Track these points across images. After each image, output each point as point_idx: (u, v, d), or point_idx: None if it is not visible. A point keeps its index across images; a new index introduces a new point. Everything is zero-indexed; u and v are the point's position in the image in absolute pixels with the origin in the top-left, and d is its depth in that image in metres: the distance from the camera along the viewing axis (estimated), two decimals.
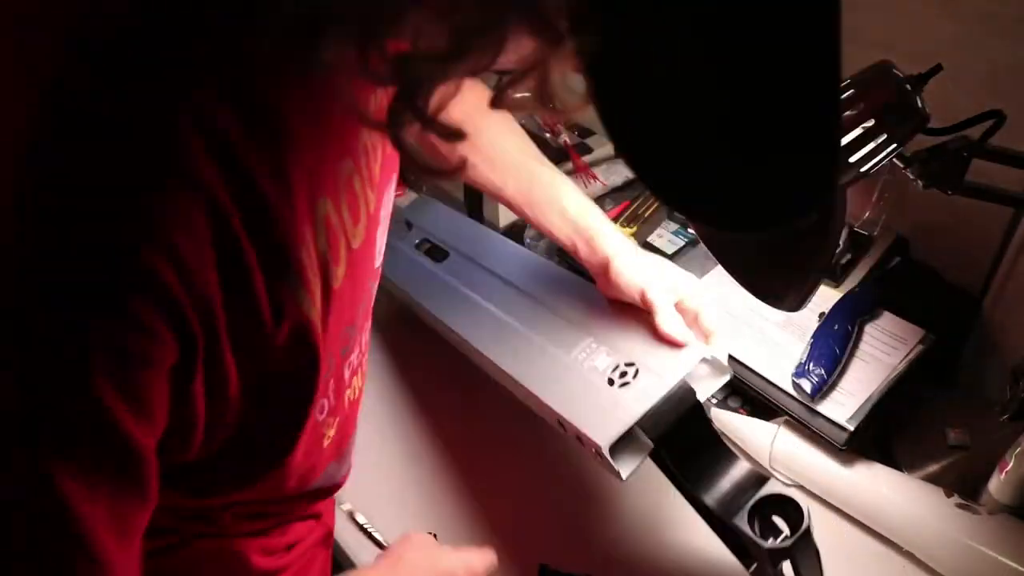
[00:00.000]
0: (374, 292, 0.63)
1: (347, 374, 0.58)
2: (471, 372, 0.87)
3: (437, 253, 1.01)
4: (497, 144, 0.82)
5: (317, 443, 0.57)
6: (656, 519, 0.82)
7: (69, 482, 0.38)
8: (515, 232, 1.11)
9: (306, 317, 0.47)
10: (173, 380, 0.41)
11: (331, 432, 0.59)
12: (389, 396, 0.96)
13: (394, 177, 0.61)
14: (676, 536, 0.80)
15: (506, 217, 1.11)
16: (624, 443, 0.69)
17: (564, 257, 1.05)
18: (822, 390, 0.80)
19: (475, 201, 1.13)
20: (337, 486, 0.71)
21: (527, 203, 0.81)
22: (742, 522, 0.67)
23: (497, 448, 0.89)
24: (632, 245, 0.80)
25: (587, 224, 0.79)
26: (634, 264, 0.77)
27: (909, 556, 0.78)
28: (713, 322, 0.77)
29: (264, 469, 0.54)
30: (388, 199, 0.61)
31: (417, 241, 1.03)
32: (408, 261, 1.01)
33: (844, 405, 0.80)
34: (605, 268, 0.78)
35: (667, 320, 0.74)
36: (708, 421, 0.74)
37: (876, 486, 0.79)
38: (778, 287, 0.65)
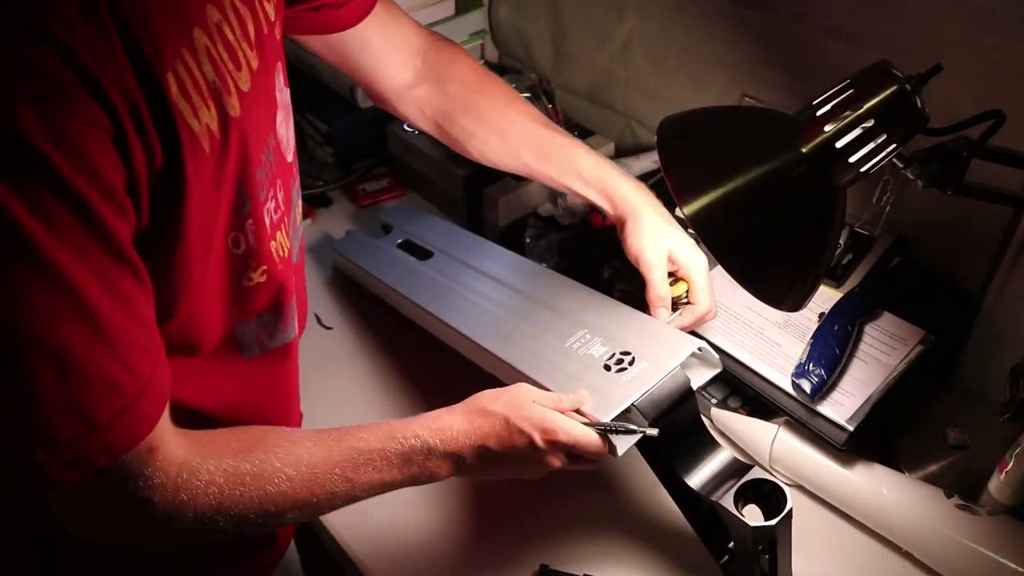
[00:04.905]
0: (295, 173, 0.71)
1: (267, 221, 0.63)
2: (469, 370, 0.87)
3: (421, 252, 1.01)
4: (505, 115, 0.87)
5: (236, 276, 0.62)
6: (656, 520, 0.82)
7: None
8: (514, 232, 1.10)
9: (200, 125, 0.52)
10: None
11: (257, 276, 0.64)
12: (387, 396, 0.96)
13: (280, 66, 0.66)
14: (676, 536, 0.80)
15: (506, 216, 1.11)
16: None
17: (563, 257, 1.05)
18: (822, 390, 0.80)
19: (474, 199, 1.13)
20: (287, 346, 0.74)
21: (543, 172, 0.86)
22: (728, 503, 0.68)
23: None
24: (643, 204, 0.82)
25: (604, 187, 0.83)
26: (636, 231, 0.80)
27: (909, 556, 0.78)
28: (701, 296, 0.81)
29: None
30: (280, 80, 0.66)
31: (399, 241, 1.03)
32: (390, 258, 1.01)
33: (844, 405, 0.80)
34: (622, 228, 0.82)
35: (653, 290, 0.79)
36: (698, 410, 0.75)
37: (876, 486, 0.79)
38: (778, 287, 0.65)
